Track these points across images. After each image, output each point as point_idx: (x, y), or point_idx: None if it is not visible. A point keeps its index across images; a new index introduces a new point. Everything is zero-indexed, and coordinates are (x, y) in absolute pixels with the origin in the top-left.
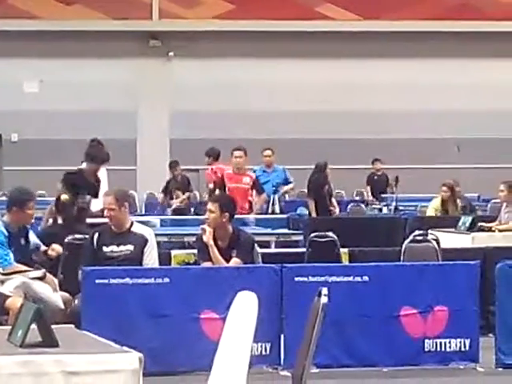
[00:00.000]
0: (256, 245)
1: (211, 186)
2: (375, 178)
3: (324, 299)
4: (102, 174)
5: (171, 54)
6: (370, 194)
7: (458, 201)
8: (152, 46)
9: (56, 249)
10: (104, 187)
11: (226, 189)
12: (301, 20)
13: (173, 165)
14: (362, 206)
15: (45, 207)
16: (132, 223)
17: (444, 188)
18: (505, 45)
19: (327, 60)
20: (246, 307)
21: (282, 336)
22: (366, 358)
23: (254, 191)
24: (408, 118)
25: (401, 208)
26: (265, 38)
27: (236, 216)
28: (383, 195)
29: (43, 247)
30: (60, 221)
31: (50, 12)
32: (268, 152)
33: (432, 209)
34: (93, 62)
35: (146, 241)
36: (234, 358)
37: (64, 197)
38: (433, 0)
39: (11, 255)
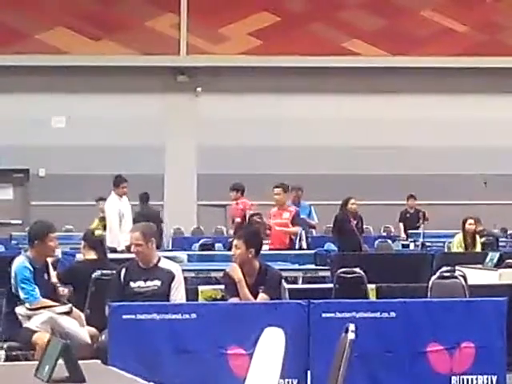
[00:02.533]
0: (283, 280)
1: (238, 220)
2: (407, 215)
3: (351, 335)
4: (128, 207)
5: (199, 89)
6: (402, 230)
7: (477, 237)
8: (180, 82)
9: (65, 291)
10: (129, 222)
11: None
12: (328, 56)
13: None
14: (389, 241)
15: (72, 242)
16: (159, 259)
17: (471, 221)
18: None
19: (356, 95)
20: (273, 343)
21: (309, 372)
22: None
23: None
24: (438, 153)
25: (428, 244)
26: (292, 73)
27: (278, 252)
28: (411, 231)
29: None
30: (93, 256)
31: (78, 47)
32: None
33: (456, 244)
34: (120, 98)
35: (173, 276)
36: None
37: (98, 232)
38: (460, 35)
39: (37, 290)
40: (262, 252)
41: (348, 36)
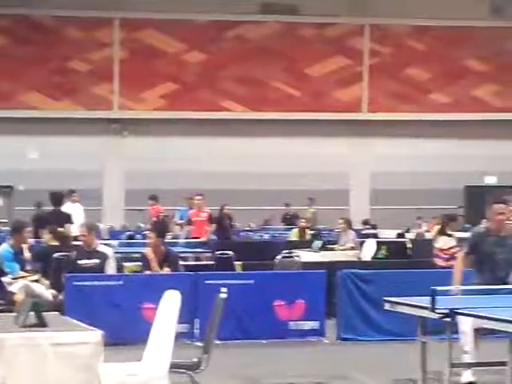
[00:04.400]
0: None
1: (154, 219)
2: (287, 216)
3: (223, 295)
4: (79, 210)
5: (126, 133)
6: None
7: (307, 231)
8: (113, 128)
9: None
10: (80, 219)
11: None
12: (210, 111)
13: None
14: (251, 233)
15: None
16: (98, 244)
17: (303, 220)
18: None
19: (227, 137)
20: (172, 301)
21: (197, 319)
22: (252, 334)
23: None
24: (280, 175)
25: (276, 235)
26: (189, 123)
27: (197, 240)
28: (266, 226)
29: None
30: (54, 243)
31: (45, 105)
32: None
33: (294, 235)
34: (74, 138)
35: (107, 256)
36: (164, 335)
37: (62, 231)
38: (296, 98)
39: (17, 266)
40: (188, 240)
41: (224, 98)
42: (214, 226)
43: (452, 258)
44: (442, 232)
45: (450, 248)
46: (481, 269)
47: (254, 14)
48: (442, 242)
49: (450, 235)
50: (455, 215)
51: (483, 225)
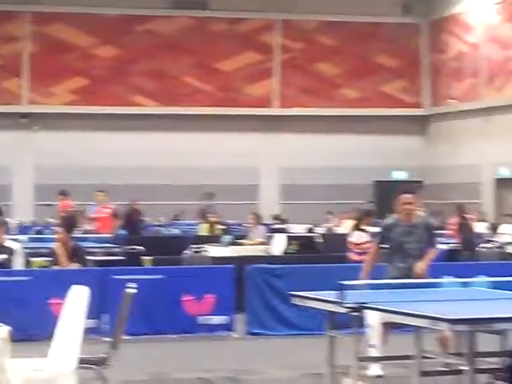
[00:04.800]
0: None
1: (63, 214)
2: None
3: (132, 290)
4: None
5: (35, 127)
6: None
7: (216, 226)
8: (23, 122)
9: None
10: None
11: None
12: (122, 106)
13: None
14: (161, 228)
15: None
16: (5, 240)
17: (211, 215)
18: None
19: (140, 132)
20: (80, 296)
21: (106, 315)
22: (161, 329)
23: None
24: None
25: (186, 230)
26: (100, 118)
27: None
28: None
29: None
30: None
31: None
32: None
33: (203, 230)
34: None
35: (14, 251)
36: (72, 330)
37: None
38: (206, 93)
39: None
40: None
41: (135, 93)
42: (119, 221)
43: (365, 252)
44: (356, 227)
45: (363, 243)
46: (391, 259)
47: (165, 8)
48: (356, 237)
49: (364, 230)
50: (371, 211)
51: (393, 215)
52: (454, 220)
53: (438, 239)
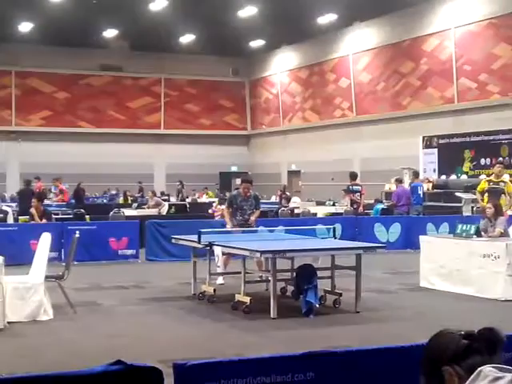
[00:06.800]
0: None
1: (37, 191)
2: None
3: (77, 235)
4: None
5: (20, 140)
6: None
7: (129, 197)
8: (12, 137)
9: None
10: None
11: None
12: (72, 127)
13: None
14: (96, 199)
15: None
16: (2, 205)
17: (129, 192)
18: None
19: (83, 143)
20: (47, 239)
21: (63, 249)
22: (96, 258)
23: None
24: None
25: (111, 200)
26: (60, 134)
27: (61, 203)
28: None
29: None
30: None
31: None
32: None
33: (122, 200)
34: None
35: (7, 212)
36: (42, 259)
37: None
38: (122, 121)
39: None
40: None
41: (79, 120)
42: (71, 195)
43: (220, 214)
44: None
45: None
46: (235, 214)
47: (97, 70)
48: (215, 204)
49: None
50: (225, 191)
51: (237, 190)
52: (279, 194)
53: (261, 205)
